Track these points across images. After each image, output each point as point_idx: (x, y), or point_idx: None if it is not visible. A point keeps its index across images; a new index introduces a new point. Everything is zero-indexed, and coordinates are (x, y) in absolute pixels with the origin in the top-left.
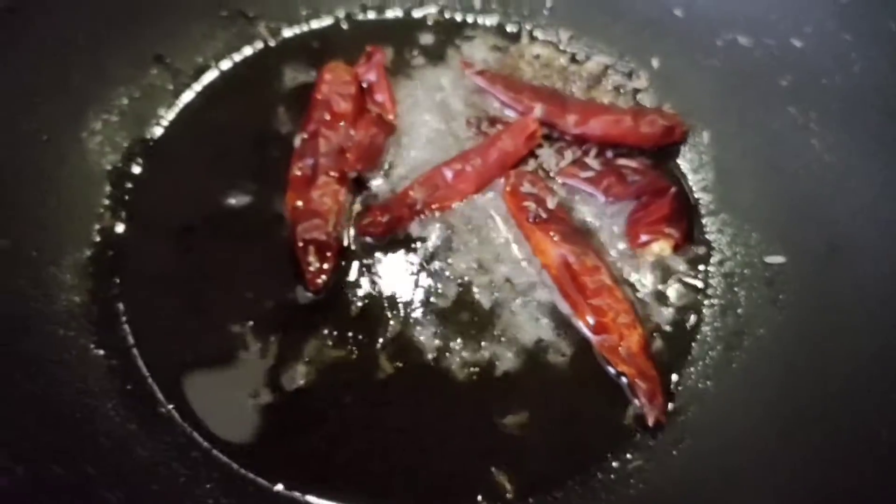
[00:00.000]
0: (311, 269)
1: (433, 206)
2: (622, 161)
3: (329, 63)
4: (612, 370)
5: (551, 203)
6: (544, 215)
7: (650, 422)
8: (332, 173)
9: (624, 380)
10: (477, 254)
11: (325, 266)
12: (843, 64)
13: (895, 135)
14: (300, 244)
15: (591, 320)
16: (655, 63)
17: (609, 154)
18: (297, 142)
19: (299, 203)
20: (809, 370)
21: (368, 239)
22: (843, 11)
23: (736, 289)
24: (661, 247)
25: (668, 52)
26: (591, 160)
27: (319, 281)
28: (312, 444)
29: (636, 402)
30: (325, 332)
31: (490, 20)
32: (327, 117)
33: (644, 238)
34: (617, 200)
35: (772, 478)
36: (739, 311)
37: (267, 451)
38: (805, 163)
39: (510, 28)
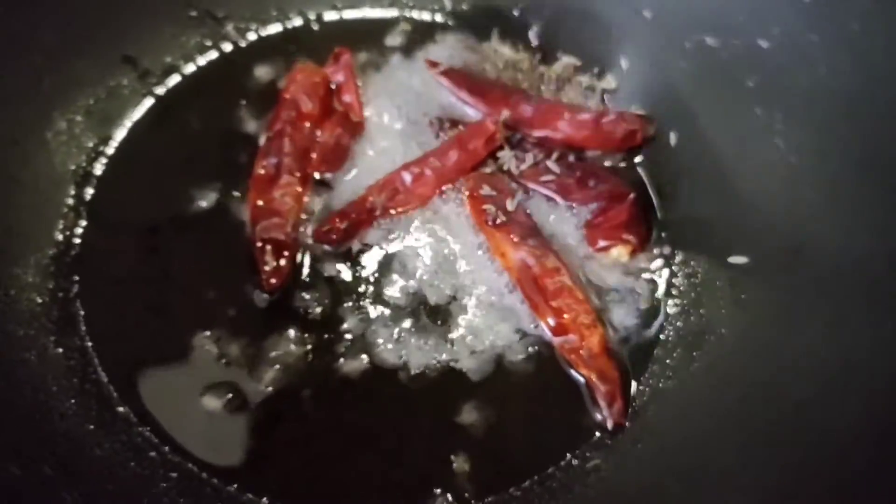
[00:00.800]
0: (267, 268)
1: (393, 211)
2: (582, 164)
3: (299, 63)
4: (573, 372)
5: (511, 205)
6: (504, 217)
7: (609, 425)
8: (296, 173)
9: (584, 381)
10: (437, 256)
11: (282, 265)
12: (809, 65)
13: (859, 135)
14: (258, 243)
15: (551, 321)
16: (624, 64)
17: (571, 158)
18: (262, 140)
19: (260, 202)
20: (771, 370)
21: (326, 246)
22: (809, 12)
23: (699, 289)
24: (619, 252)
25: (637, 54)
26: (551, 163)
27: (274, 281)
28: (270, 445)
29: (596, 404)
30: (284, 334)
31: (460, 20)
32: (294, 117)
33: (602, 243)
34: (578, 205)
35: (731, 478)
36: (702, 311)
37: (224, 452)
38: (770, 163)
39: (480, 28)
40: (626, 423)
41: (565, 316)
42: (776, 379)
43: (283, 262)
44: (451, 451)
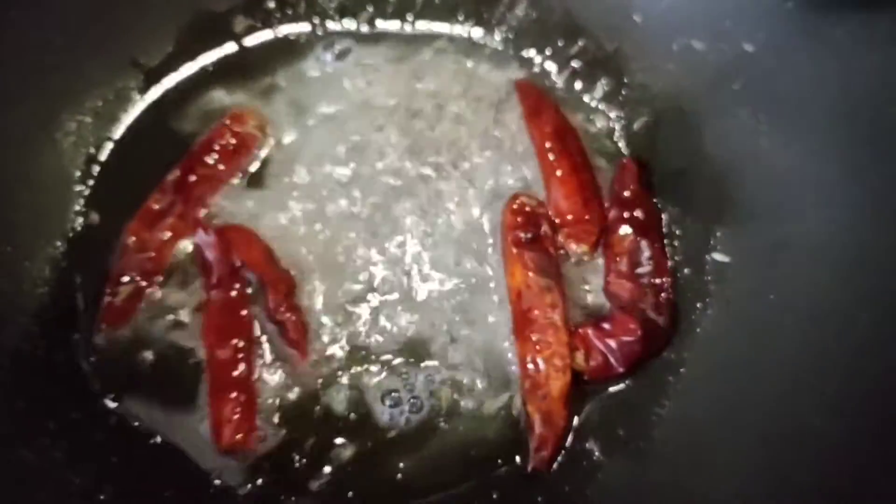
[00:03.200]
0: (111, 301)
1: None
2: None
3: (237, 109)
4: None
5: (545, 229)
6: (531, 238)
7: (530, 466)
8: (184, 218)
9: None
10: None
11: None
12: (794, 68)
13: (841, 136)
14: (119, 276)
15: (528, 353)
16: (615, 66)
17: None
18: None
19: (137, 235)
20: (752, 366)
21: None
22: (794, 18)
23: (681, 284)
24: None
25: (627, 57)
26: None
27: (104, 325)
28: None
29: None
30: None
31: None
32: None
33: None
34: None
35: (719, 471)
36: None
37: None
38: (754, 164)
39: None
40: (547, 471)
41: (539, 350)
42: (755, 375)
43: (127, 306)
44: None
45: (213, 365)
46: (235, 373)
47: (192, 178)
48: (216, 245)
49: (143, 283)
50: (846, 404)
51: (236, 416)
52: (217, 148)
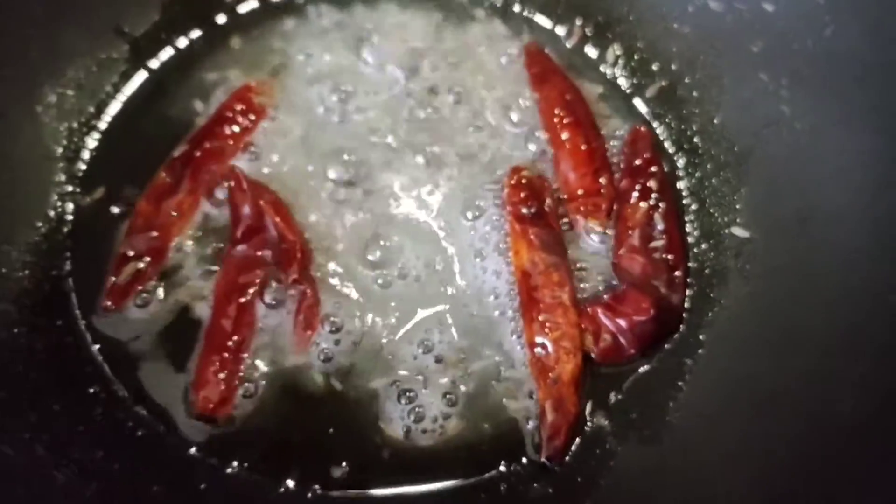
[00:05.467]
0: (115, 281)
1: None
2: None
3: (250, 79)
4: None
5: (548, 203)
6: (535, 212)
7: (543, 456)
8: (193, 193)
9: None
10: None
11: (126, 287)
12: (815, 28)
13: (866, 101)
14: (124, 251)
15: (535, 335)
16: (628, 30)
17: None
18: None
19: (147, 210)
20: (775, 347)
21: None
22: None
23: (698, 260)
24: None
25: (640, 19)
26: None
27: (109, 303)
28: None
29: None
30: None
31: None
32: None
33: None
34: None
35: (739, 458)
36: (704, 282)
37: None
38: (775, 130)
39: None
40: (561, 461)
41: (548, 332)
42: (779, 352)
43: (131, 286)
44: None
45: (214, 322)
46: (233, 338)
47: (200, 152)
48: (250, 198)
49: (148, 263)
50: (877, 389)
51: (219, 381)
52: (226, 121)
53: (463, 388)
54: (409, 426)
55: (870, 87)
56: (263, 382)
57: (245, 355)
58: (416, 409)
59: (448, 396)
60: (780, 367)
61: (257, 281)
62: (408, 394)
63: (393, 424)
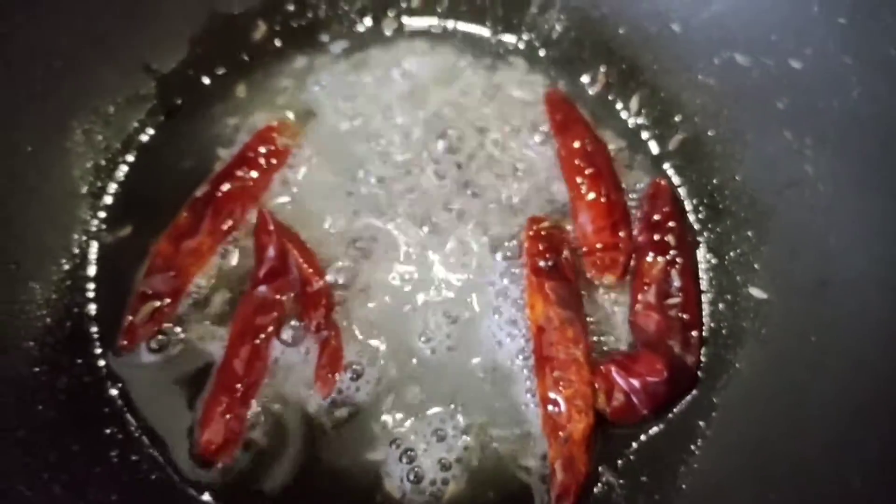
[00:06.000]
0: (133, 320)
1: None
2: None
3: (276, 120)
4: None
5: (566, 255)
6: (552, 265)
7: None
8: (213, 235)
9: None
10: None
11: (143, 328)
12: (842, 88)
13: (891, 165)
14: (142, 290)
15: (548, 391)
16: (652, 79)
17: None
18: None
19: (167, 250)
20: (788, 415)
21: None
22: (845, 34)
23: (714, 320)
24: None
25: (665, 69)
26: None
27: (126, 343)
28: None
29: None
30: None
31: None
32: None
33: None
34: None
35: None
36: (719, 343)
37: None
38: (798, 190)
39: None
40: None
41: (561, 389)
42: (796, 421)
43: (148, 326)
44: None
45: (227, 363)
46: (244, 380)
47: (221, 193)
48: (275, 239)
49: (166, 303)
50: (889, 466)
51: (224, 423)
52: (249, 161)
53: (473, 444)
54: (407, 488)
55: (893, 152)
56: (269, 428)
57: (254, 401)
58: (415, 470)
59: (451, 456)
60: (792, 436)
61: (273, 322)
62: (409, 453)
63: (392, 480)
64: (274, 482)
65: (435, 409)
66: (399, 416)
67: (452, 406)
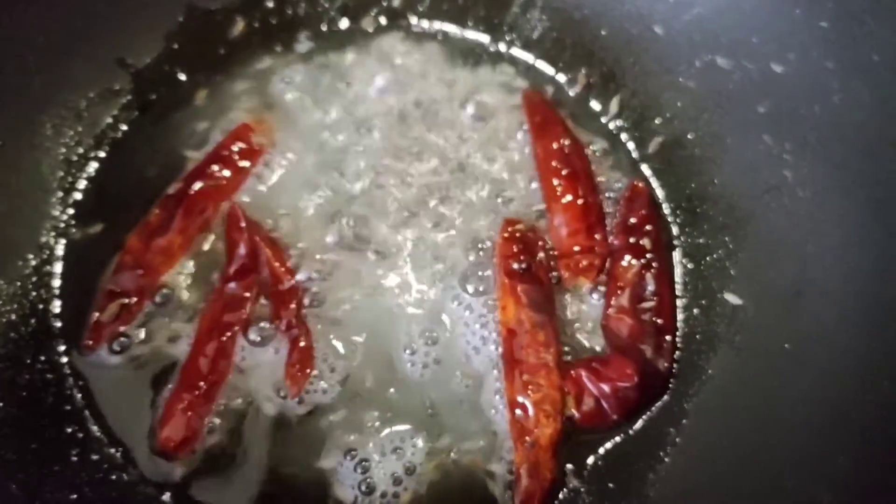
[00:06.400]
0: (99, 319)
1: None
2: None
3: (249, 117)
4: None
5: (540, 257)
6: (526, 268)
7: None
8: (184, 234)
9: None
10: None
11: (109, 327)
12: (823, 93)
13: (869, 174)
14: (109, 288)
15: (517, 395)
16: (633, 81)
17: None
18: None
19: (136, 247)
20: (759, 424)
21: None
22: (827, 39)
23: (688, 325)
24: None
25: (646, 71)
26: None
27: (91, 342)
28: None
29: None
30: None
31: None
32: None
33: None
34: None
35: None
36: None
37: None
38: (777, 195)
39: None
40: None
41: (529, 393)
42: (766, 432)
43: (114, 325)
44: None
45: (192, 360)
46: (207, 378)
47: (193, 191)
48: (247, 236)
49: (133, 301)
50: (860, 482)
51: (184, 420)
52: (223, 159)
53: (438, 447)
54: (358, 494)
55: (874, 160)
56: (231, 426)
57: (216, 401)
58: (369, 481)
59: (415, 460)
60: (762, 447)
61: (241, 320)
62: (364, 462)
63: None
64: (233, 483)
65: (402, 416)
66: (366, 419)
67: (421, 410)
